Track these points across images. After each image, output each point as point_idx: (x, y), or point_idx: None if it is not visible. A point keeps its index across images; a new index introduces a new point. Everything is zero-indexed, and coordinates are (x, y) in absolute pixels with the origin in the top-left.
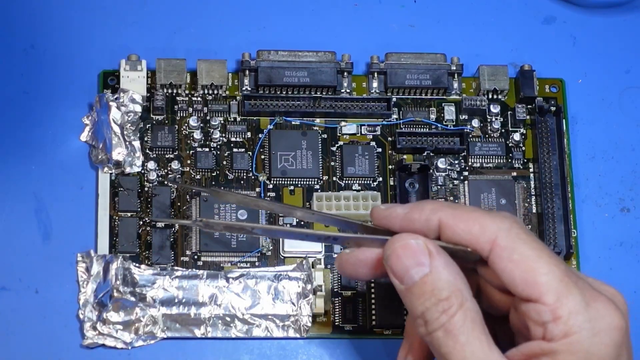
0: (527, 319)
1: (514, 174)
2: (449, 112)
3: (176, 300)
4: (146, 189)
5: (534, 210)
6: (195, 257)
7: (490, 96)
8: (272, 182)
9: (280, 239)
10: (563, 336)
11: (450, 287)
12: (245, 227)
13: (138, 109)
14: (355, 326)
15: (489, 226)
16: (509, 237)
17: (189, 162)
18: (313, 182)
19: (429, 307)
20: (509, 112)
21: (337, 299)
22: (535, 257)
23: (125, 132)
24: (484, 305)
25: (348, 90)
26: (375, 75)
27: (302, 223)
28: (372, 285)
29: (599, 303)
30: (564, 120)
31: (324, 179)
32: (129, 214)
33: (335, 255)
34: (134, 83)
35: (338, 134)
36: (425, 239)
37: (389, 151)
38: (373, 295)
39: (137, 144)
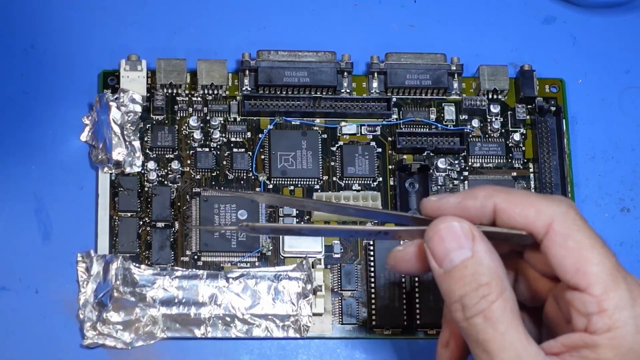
0: (572, 308)
1: (514, 174)
2: (449, 112)
3: (176, 300)
4: (146, 189)
5: None
6: (195, 257)
7: (490, 96)
8: (272, 182)
9: (280, 239)
10: (606, 330)
11: (491, 273)
12: (292, 228)
13: (138, 109)
14: (355, 326)
15: (546, 210)
16: (565, 222)
17: (189, 162)
18: (313, 182)
19: (468, 292)
20: (509, 112)
21: (337, 299)
22: (589, 246)
23: (125, 132)
24: (520, 293)
25: (348, 90)
26: (375, 75)
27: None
28: (372, 285)
29: None
30: (564, 120)
31: (324, 179)
32: (129, 214)
33: (388, 252)
34: (134, 83)
35: (338, 134)
36: (469, 223)
37: (389, 151)
38: (373, 295)
39: (137, 144)
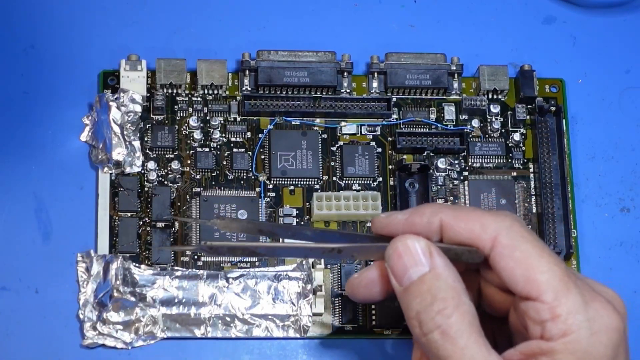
0: (526, 317)
1: (514, 174)
2: (449, 112)
3: (176, 300)
4: (146, 189)
5: (534, 210)
6: (195, 257)
7: (490, 96)
8: (272, 182)
9: (281, 240)
10: (561, 335)
11: (447, 287)
12: (248, 247)
13: (138, 109)
14: (355, 326)
15: (490, 224)
16: (510, 235)
17: (189, 162)
18: (313, 182)
19: (424, 307)
20: (509, 112)
21: (337, 299)
22: (536, 256)
23: (125, 132)
24: (485, 306)
25: (348, 90)
26: (375, 75)
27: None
28: None
29: (597, 303)
30: (564, 120)
31: (324, 179)
32: (129, 214)
33: (335, 265)
34: (134, 83)
35: (338, 134)
36: (426, 240)
37: (389, 151)
38: None
39: (137, 144)
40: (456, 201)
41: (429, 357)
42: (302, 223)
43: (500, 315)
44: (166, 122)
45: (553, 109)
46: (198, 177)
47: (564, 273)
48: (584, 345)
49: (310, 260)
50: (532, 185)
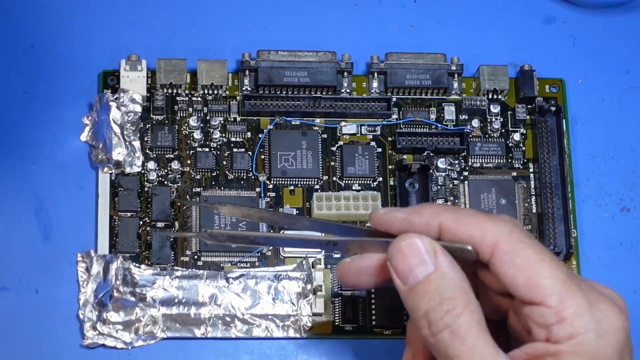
0: (530, 321)
1: (514, 174)
2: (449, 112)
3: (176, 300)
4: (146, 189)
5: (534, 210)
6: (195, 257)
7: (490, 96)
8: (272, 182)
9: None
10: (568, 338)
11: (454, 287)
12: (248, 235)
13: (138, 109)
14: (355, 326)
15: (490, 230)
16: (510, 241)
17: (189, 162)
18: (313, 182)
19: (433, 307)
20: (509, 112)
21: (337, 299)
22: (538, 261)
23: (125, 132)
24: (483, 309)
25: (348, 90)
26: (375, 75)
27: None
28: None
29: (602, 304)
30: (564, 120)
31: (324, 179)
32: (129, 214)
33: (335, 265)
34: (134, 83)
35: (338, 134)
36: (430, 239)
37: (389, 151)
38: (373, 295)
39: (137, 144)
40: (456, 201)
41: (435, 356)
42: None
43: (497, 318)
44: (166, 122)
45: (553, 109)
46: (198, 177)
47: (566, 276)
48: (592, 347)
49: (311, 260)
50: (532, 185)
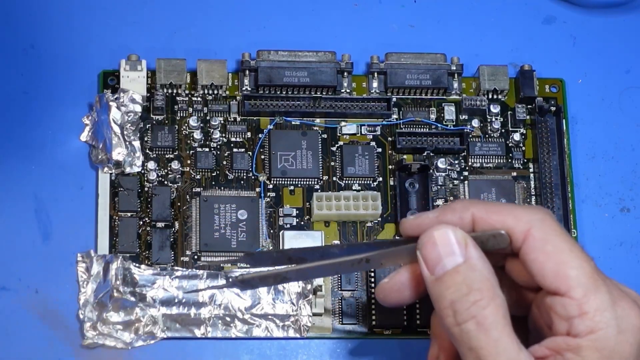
0: (552, 313)
1: (514, 174)
2: (449, 112)
3: (176, 300)
4: (146, 189)
5: None
6: (195, 257)
7: (490, 96)
8: (272, 182)
9: (281, 239)
10: (589, 332)
11: (482, 279)
12: (280, 273)
13: (138, 109)
14: (355, 326)
15: (523, 217)
16: (542, 228)
17: (189, 162)
18: (313, 182)
19: (459, 297)
20: (509, 112)
21: (337, 299)
22: (568, 251)
23: (125, 132)
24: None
25: (348, 90)
26: (375, 75)
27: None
28: (372, 285)
29: (625, 302)
30: (564, 120)
31: (324, 179)
32: (129, 214)
33: (374, 289)
34: (134, 83)
35: (338, 134)
36: (462, 231)
37: (389, 151)
38: (373, 295)
39: (137, 144)
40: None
41: (451, 354)
42: (302, 223)
43: (517, 314)
44: (166, 122)
45: (553, 109)
46: (198, 177)
47: (593, 270)
48: (611, 343)
49: None
50: (532, 185)
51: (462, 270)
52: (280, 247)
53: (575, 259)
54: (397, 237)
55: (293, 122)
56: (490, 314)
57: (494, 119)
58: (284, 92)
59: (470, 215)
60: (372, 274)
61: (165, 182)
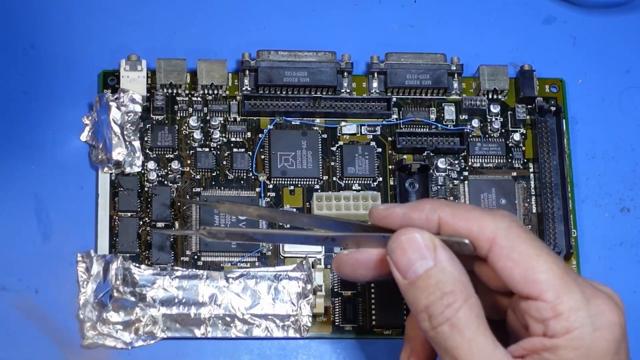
0: (527, 316)
1: (514, 174)
2: (449, 112)
3: (176, 300)
4: (146, 189)
5: (534, 210)
6: (195, 257)
7: (490, 96)
8: (272, 182)
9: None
10: (564, 332)
11: (454, 281)
12: (246, 232)
13: (138, 109)
14: (355, 326)
15: (488, 225)
16: (508, 236)
17: (189, 162)
18: (313, 182)
19: (433, 301)
20: (509, 112)
21: (337, 299)
22: (535, 256)
23: (125, 132)
24: (483, 308)
25: (348, 90)
26: (375, 75)
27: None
28: (372, 285)
29: (598, 300)
30: (564, 120)
31: (324, 179)
32: (129, 214)
33: (334, 256)
34: (134, 83)
35: (338, 134)
36: (430, 234)
37: (389, 151)
38: (373, 295)
39: (137, 144)
40: (456, 201)
41: (423, 356)
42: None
43: (496, 317)
44: (166, 122)
45: (553, 109)
46: (198, 177)
47: (563, 272)
48: (587, 341)
49: (311, 260)
50: (532, 185)
51: (433, 273)
52: (281, 247)
53: (543, 262)
54: (365, 223)
55: (293, 122)
56: (464, 316)
57: (494, 119)
58: (284, 92)
59: (437, 218)
60: None
61: (165, 182)
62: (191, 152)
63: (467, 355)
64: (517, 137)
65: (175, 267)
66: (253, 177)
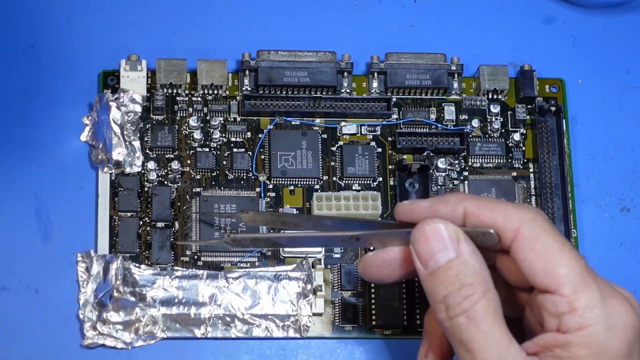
0: (543, 310)
1: (514, 174)
2: (449, 112)
3: (176, 300)
4: (146, 189)
5: None
6: (195, 257)
7: (490, 96)
8: (272, 182)
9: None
10: (578, 328)
11: (474, 274)
12: (271, 237)
13: (138, 109)
14: (355, 326)
15: (514, 216)
16: (532, 227)
17: (189, 162)
18: (313, 182)
19: (451, 292)
20: (509, 112)
21: (337, 299)
22: (557, 249)
23: (125, 132)
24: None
25: (348, 90)
26: (375, 75)
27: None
28: (372, 285)
29: (615, 300)
30: (564, 120)
31: (324, 179)
32: (129, 214)
33: (358, 260)
34: (134, 83)
35: (338, 134)
36: (454, 225)
37: (389, 151)
38: (373, 295)
39: (137, 144)
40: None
41: (441, 352)
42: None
43: (514, 315)
44: (166, 122)
45: (553, 109)
46: (198, 177)
47: (583, 268)
48: (600, 340)
49: (310, 260)
50: (532, 185)
51: (455, 265)
52: (281, 250)
53: (565, 257)
54: (389, 220)
55: (293, 122)
56: (481, 308)
57: (494, 119)
58: (284, 92)
59: (463, 209)
60: None
61: (165, 182)
62: (191, 152)
63: (482, 348)
64: (517, 137)
65: (175, 267)
66: (253, 177)
